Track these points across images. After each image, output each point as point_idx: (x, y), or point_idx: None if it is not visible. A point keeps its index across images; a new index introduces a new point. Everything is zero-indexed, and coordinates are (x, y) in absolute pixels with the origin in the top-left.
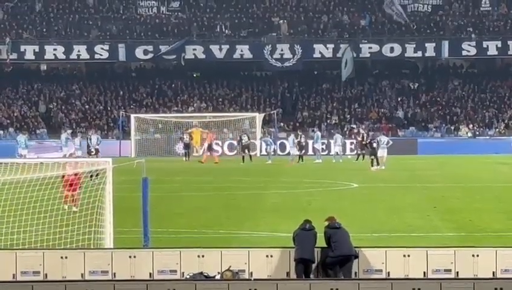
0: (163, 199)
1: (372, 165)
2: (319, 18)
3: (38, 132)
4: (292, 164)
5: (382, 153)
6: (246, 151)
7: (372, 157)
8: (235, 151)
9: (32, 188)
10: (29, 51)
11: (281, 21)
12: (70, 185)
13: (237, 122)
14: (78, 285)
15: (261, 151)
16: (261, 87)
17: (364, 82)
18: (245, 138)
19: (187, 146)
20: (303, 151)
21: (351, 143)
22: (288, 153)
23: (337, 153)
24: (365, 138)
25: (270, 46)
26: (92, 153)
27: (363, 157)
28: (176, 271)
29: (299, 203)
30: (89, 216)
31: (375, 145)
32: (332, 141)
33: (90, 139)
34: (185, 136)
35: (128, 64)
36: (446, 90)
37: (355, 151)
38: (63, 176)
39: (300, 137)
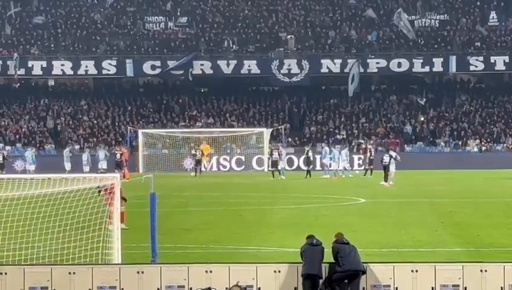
0: (171, 214)
1: (386, 181)
2: (327, 33)
3: (46, 147)
4: (337, 178)
5: (391, 168)
6: (275, 167)
7: (388, 172)
8: (243, 167)
9: (40, 204)
10: (37, 67)
11: (289, 36)
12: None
13: (245, 137)
14: None
15: (268, 166)
16: (268, 102)
17: (372, 97)
18: (275, 154)
19: (198, 162)
20: (311, 166)
21: (359, 158)
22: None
23: (344, 168)
24: (372, 153)
25: (277, 61)
26: (101, 171)
27: (371, 172)
28: (183, 287)
29: (307, 219)
30: (96, 232)
31: (389, 160)
32: (339, 156)
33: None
34: (196, 152)
35: (136, 79)
36: (454, 105)
37: (363, 167)
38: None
39: (308, 152)
